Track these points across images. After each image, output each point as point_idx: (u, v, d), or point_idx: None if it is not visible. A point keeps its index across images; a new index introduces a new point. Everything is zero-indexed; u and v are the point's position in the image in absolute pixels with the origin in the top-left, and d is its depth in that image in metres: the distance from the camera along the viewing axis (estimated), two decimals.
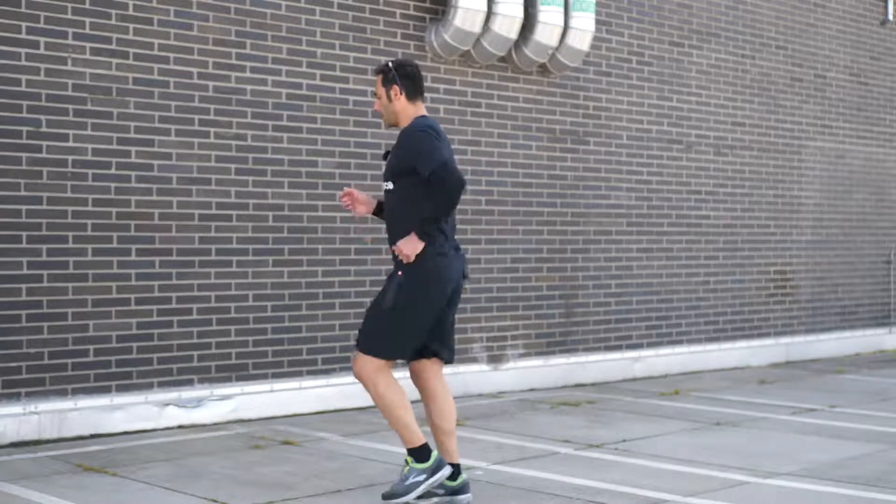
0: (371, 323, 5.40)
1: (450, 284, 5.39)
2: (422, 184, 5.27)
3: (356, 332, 8.25)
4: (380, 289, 5.48)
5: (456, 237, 5.55)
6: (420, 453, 5.32)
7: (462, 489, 5.46)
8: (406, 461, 5.37)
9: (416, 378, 5.55)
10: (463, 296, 8.87)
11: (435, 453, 5.35)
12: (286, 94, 8.06)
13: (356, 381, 5.48)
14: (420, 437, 5.34)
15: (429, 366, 5.51)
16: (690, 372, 10.78)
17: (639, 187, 10.45)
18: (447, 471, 5.34)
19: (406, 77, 5.46)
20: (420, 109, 5.49)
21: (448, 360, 5.58)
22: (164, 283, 7.46)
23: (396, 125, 5.52)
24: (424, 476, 5.29)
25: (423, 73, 8.58)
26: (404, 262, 5.29)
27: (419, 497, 5.33)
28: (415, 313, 5.31)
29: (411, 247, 5.26)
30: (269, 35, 7.98)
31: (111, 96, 7.24)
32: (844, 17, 12.71)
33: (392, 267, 5.43)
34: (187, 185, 7.57)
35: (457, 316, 8.80)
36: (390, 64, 5.49)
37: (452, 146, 8.66)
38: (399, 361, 5.50)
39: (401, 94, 5.45)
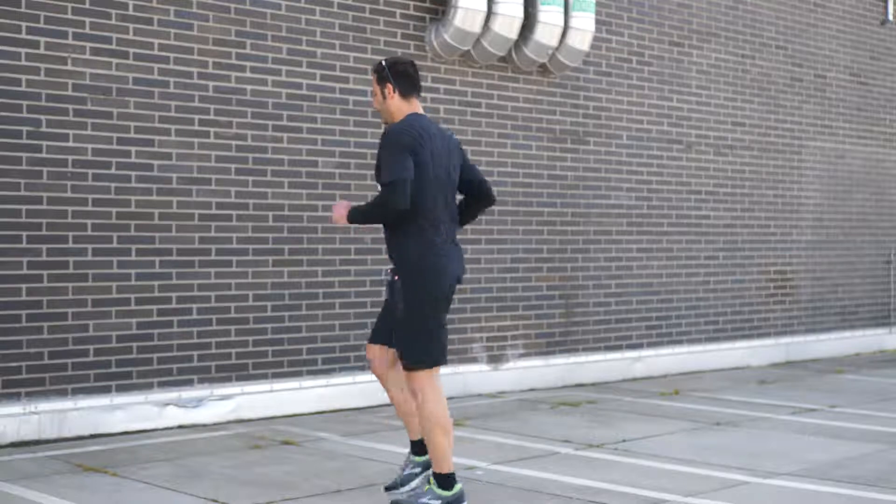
0: (402, 336, 5.30)
1: (447, 277, 5.31)
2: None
3: (356, 332, 8.36)
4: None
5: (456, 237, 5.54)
6: (445, 480, 5.23)
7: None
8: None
9: (385, 365, 5.55)
10: (463, 295, 8.95)
11: (459, 486, 5.26)
12: (286, 94, 8.06)
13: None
14: (450, 464, 5.24)
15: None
16: (690, 372, 10.78)
17: (639, 187, 10.45)
18: None
19: (399, 75, 5.40)
20: (415, 107, 5.43)
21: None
22: (164, 283, 7.46)
23: (392, 123, 5.49)
24: (440, 503, 5.21)
25: (423, 74, 8.70)
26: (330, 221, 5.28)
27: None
28: (425, 311, 5.24)
29: (338, 211, 5.36)
30: (269, 35, 7.98)
31: (111, 96, 7.24)
32: (844, 17, 12.71)
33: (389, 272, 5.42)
34: (187, 185, 7.57)
35: (457, 316, 8.93)
36: (384, 62, 5.46)
37: None
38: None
39: (394, 92, 5.40)
